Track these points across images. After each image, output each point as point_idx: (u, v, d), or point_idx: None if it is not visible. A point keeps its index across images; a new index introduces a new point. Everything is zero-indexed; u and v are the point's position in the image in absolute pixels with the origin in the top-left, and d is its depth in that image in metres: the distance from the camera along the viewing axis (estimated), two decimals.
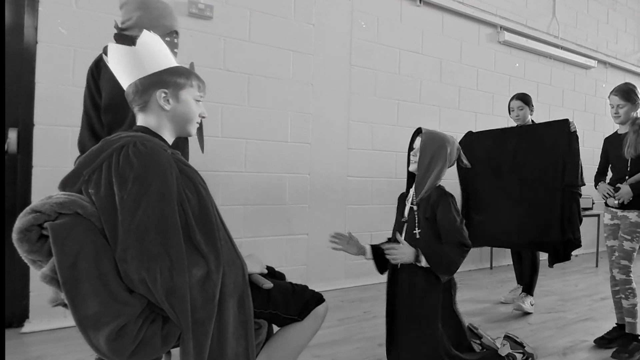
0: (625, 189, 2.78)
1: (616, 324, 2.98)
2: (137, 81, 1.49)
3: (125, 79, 1.52)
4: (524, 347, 2.53)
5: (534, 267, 3.65)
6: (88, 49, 3.00)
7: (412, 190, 2.23)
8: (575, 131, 3.28)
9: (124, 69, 1.50)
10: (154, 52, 1.51)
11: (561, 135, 3.30)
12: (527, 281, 3.66)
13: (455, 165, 3.78)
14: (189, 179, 1.45)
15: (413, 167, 2.21)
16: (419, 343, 2.10)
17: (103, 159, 1.36)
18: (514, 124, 3.87)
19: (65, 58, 2.99)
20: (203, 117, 1.63)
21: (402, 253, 2.02)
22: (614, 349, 2.80)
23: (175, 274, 1.27)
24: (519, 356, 2.45)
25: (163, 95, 1.49)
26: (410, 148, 2.26)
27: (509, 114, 3.83)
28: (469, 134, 3.85)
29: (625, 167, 2.85)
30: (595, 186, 3.07)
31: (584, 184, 3.33)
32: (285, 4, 3.92)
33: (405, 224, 2.19)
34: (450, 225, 2.05)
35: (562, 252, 3.26)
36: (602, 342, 2.90)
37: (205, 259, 1.36)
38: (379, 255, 2.23)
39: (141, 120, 1.53)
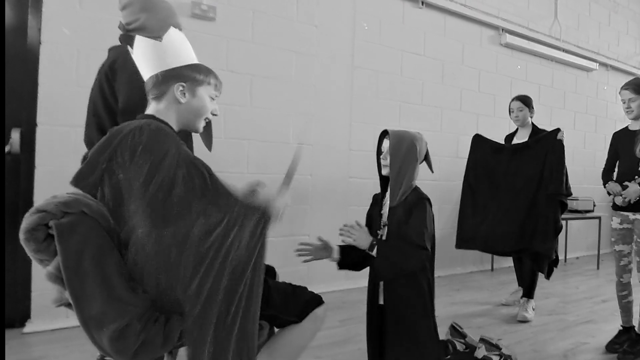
0: (633, 188, 2.71)
1: (622, 326, 2.95)
2: (158, 73, 1.54)
3: (147, 71, 1.57)
4: (500, 349, 2.53)
5: (533, 269, 3.65)
6: (92, 50, 3.00)
7: (387, 194, 2.18)
8: (561, 139, 3.30)
9: (147, 61, 1.57)
10: (178, 48, 1.58)
11: (549, 144, 3.35)
12: (527, 284, 3.66)
13: (466, 163, 3.73)
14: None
15: (386, 171, 2.16)
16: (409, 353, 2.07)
17: (116, 146, 1.37)
18: (515, 126, 3.88)
19: (68, 59, 3.00)
20: (215, 115, 1.67)
21: (359, 237, 1.97)
22: (620, 350, 2.79)
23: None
24: (495, 358, 2.45)
25: (180, 88, 1.54)
26: (379, 151, 2.22)
27: (509, 115, 3.83)
28: (477, 136, 3.85)
29: (636, 167, 2.76)
30: (604, 185, 2.98)
31: (571, 194, 3.34)
32: (288, 6, 3.93)
33: (387, 227, 2.14)
34: (418, 226, 1.99)
35: (543, 264, 3.33)
36: (613, 348, 2.86)
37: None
38: (346, 256, 2.15)
39: (151, 108, 1.57)
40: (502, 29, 5.39)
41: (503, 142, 3.90)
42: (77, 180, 1.40)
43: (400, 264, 1.96)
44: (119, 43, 2.17)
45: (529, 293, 3.62)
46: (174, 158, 1.37)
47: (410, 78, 4.68)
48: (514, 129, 3.91)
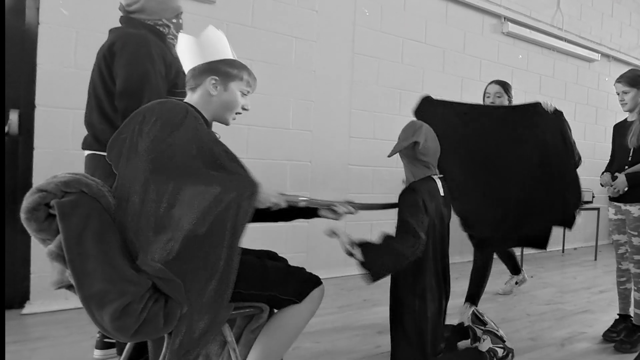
0: (620, 179, 2.73)
1: (618, 314, 2.97)
2: (195, 66, 1.65)
3: (188, 64, 1.68)
4: (504, 341, 2.52)
5: (483, 272, 3.31)
6: (90, 31, 2.97)
7: None
8: (555, 110, 2.86)
9: (188, 55, 1.68)
10: (214, 44, 1.68)
11: (546, 121, 2.82)
12: (472, 290, 3.27)
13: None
14: None
15: None
16: (404, 344, 2.13)
17: (142, 115, 1.48)
18: None
19: (67, 39, 2.97)
20: (245, 109, 1.74)
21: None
22: (617, 340, 2.80)
23: None
24: (499, 351, 2.43)
25: (213, 82, 1.63)
26: None
27: (483, 100, 3.45)
28: (426, 101, 2.88)
29: (627, 157, 2.79)
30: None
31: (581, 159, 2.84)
32: None
33: None
34: (399, 218, 2.04)
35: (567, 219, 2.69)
36: (610, 337, 2.87)
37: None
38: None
39: (187, 98, 1.67)
40: (505, 18, 5.36)
41: None
42: (107, 150, 1.52)
43: (390, 261, 1.91)
44: (119, 24, 2.15)
45: (472, 300, 3.24)
46: (188, 132, 1.44)
47: (410, 66, 4.65)
48: None
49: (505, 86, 3.38)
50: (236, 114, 1.72)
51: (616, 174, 2.82)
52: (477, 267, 3.31)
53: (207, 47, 1.66)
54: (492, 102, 3.35)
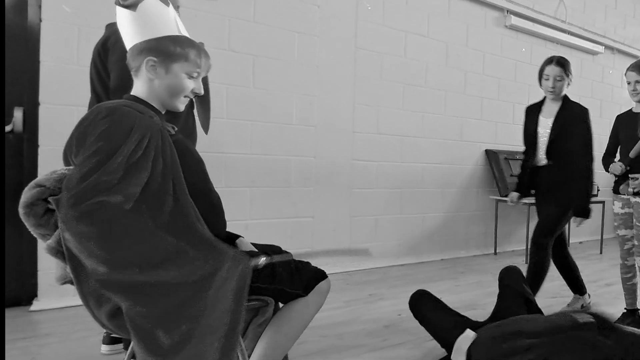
0: None
1: (625, 309, 2.96)
2: (134, 45, 1.45)
3: (128, 43, 1.48)
4: None
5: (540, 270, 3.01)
6: (92, 28, 2.96)
7: None
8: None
9: (126, 33, 1.48)
10: (153, 19, 1.45)
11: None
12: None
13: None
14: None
15: None
16: None
17: (74, 132, 1.36)
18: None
19: (69, 36, 2.97)
20: (197, 94, 1.56)
21: None
22: None
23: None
24: None
25: (150, 63, 1.43)
26: None
27: (540, 81, 3.05)
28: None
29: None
30: (606, 169, 2.93)
31: None
32: None
33: None
34: None
35: None
36: None
37: None
38: None
39: (134, 86, 1.50)
40: (507, 11, 5.32)
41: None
42: (64, 156, 1.41)
43: None
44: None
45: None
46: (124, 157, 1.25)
47: (413, 60, 4.63)
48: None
49: (566, 67, 2.94)
50: (185, 97, 1.53)
51: (634, 175, 2.72)
52: (534, 262, 2.98)
53: (145, 22, 1.43)
54: (552, 87, 2.94)
